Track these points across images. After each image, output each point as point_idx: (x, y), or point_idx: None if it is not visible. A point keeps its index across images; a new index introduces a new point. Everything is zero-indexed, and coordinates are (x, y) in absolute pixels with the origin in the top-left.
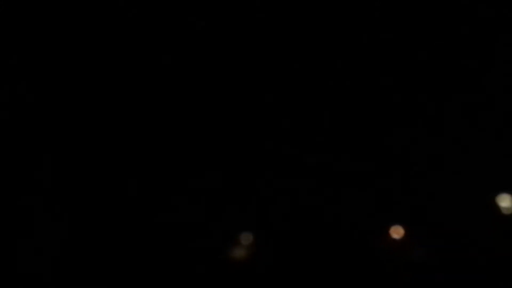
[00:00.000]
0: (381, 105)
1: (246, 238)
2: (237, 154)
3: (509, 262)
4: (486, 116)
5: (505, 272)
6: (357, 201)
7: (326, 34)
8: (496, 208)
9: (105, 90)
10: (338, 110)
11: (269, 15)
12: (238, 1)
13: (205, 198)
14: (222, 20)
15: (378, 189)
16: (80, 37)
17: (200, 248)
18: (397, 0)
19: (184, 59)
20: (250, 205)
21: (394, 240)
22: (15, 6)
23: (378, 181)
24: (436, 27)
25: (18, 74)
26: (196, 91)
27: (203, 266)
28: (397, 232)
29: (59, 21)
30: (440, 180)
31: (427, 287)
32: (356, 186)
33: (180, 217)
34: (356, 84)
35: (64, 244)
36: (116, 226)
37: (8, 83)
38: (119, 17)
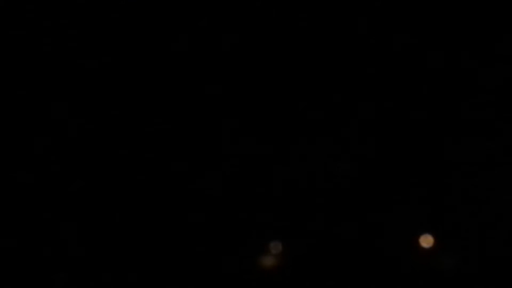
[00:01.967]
0: (407, 108)
1: (276, 247)
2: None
3: None
4: None
5: None
6: (384, 209)
7: (326, 34)
8: None
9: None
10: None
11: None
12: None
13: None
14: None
15: (407, 196)
16: (80, 37)
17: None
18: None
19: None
20: (278, 210)
21: (423, 249)
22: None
23: (407, 187)
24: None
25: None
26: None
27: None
28: (426, 241)
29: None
30: (473, 186)
31: None
32: (384, 193)
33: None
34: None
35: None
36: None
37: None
38: (119, 17)
